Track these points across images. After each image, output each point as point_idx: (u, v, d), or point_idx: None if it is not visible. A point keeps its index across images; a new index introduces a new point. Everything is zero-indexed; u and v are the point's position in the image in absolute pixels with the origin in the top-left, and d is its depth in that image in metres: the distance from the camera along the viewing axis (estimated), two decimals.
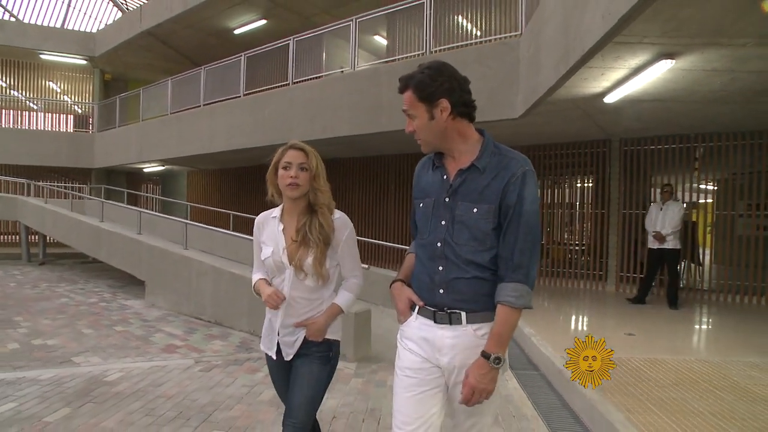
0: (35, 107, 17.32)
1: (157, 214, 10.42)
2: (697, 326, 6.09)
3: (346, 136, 8.35)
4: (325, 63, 9.70)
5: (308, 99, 8.87)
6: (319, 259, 1.99)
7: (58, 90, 18.35)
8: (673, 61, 4.27)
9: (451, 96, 1.62)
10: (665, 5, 3.24)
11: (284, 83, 9.52)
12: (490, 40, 7.28)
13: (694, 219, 8.46)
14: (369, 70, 8.43)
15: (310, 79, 9.24)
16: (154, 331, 6.00)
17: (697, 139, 7.65)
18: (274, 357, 2.10)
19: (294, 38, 9.37)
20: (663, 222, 6.70)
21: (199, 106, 11.54)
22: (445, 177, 1.70)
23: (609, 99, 5.54)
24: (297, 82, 9.31)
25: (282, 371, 2.12)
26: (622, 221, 8.16)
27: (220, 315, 6.38)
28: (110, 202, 11.88)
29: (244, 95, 10.35)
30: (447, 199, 1.67)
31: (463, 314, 1.65)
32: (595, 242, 8.72)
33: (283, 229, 2.06)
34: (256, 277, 2.16)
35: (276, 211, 2.13)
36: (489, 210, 1.61)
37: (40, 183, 13.77)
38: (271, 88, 9.83)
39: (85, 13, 18.82)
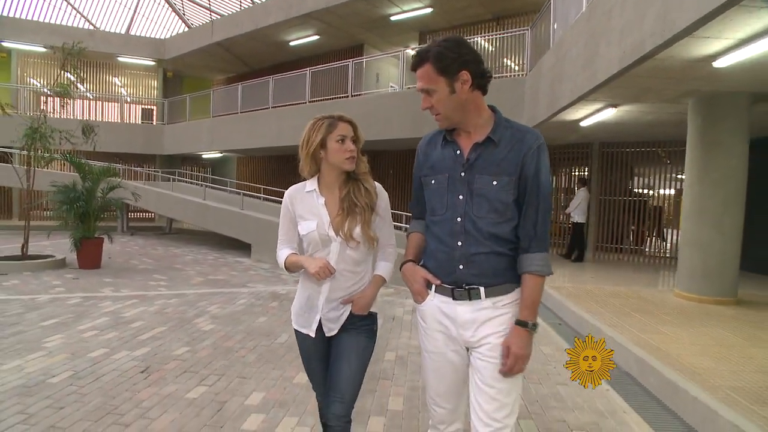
0: (91, 96, 20.20)
1: (257, 195, 13.26)
2: (613, 273, 8.98)
3: (395, 138, 11.21)
4: (365, 72, 12.56)
5: (365, 109, 11.71)
6: (368, 223, 1.99)
7: (119, 84, 21.21)
8: (616, 108, 7.10)
9: (470, 67, 1.61)
10: (605, 90, 6.03)
11: (345, 95, 12.35)
12: (504, 76, 10.09)
13: (659, 205, 11.36)
14: (414, 89, 11.23)
15: (366, 93, 12.07)
16: (278, 274, 8.95)
17: (657, 145, 10.47)
18: (313, 334, 2.05)
19: (353, 61, 12.18)
20: (573, 204, 9.72)
21: (268, 108, 14.39)
22: (458, 152, 1.70)
23: (584, 123, 8.37)
24: (355, 96, 12.15)
25: (321, 349, 2.09)
26: (599, 205, 11.03)
27: None
28: (215, 186, 14.96)
29: (309, 102, 13.19)
30: (462, 174, 1.68)
31: (482, 289, 1.67)
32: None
33: (324, 203, 2.02)
34: (285, 252, 2.10)
35: (309, 185, 2.06)
36: (510, 182, 1.64)
37: (138, 168, 16.68)
38: (334, 98, 12.66)
39: (149, 19, 21.59)
